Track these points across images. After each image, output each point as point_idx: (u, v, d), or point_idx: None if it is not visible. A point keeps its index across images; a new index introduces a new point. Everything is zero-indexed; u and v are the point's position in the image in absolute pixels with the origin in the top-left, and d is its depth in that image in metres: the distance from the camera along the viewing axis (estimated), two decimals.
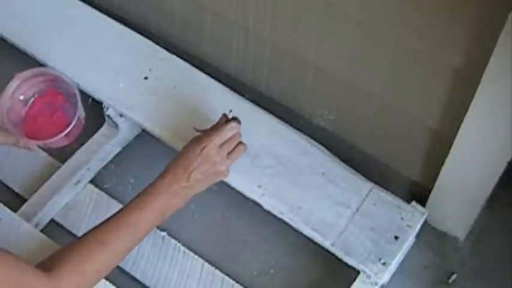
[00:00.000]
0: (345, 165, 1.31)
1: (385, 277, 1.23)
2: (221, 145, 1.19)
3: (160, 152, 1.38)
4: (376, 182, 1.29)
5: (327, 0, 1.19)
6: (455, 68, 1.11)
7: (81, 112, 1.21)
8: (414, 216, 1.26)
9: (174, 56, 1.44)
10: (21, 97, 1.22)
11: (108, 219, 1.12)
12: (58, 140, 1.20)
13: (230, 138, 1.20)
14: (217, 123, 1.23)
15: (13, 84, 1.21)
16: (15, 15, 1.49)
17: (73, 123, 1.19)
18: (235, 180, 1.29)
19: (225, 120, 1.23)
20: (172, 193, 1.15)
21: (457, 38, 1.07)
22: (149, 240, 1.30)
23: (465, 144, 1.17)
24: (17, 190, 1.39)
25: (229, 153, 1.21)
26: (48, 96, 1.24)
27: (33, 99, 1.24)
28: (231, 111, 1.25)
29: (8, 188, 1.40)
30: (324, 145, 1.33)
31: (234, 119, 1.22)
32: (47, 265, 1.06)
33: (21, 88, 1.22)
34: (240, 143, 1.22)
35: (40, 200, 1.34)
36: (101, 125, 1.41)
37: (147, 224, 1.14)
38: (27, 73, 1.22)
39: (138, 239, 1.14)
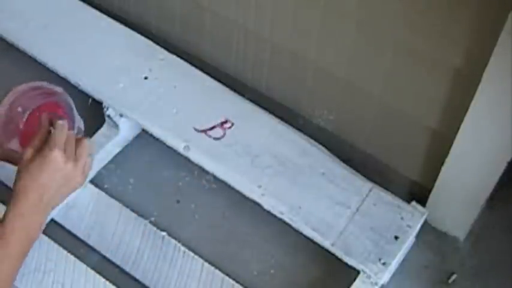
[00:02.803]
0: (345, 165, 1.31)
1: (385, 277, 1.23)
2: (64, 150, 1.09)
3: (160, 152, 1.38)
4: (376, 182, 1.29)
5: (326, 0, 1.19)
6: (455, 68, 1.11)
7: (79, 124, 1.19)
8: (414, 216, 1.26)
9: (174, 56, 1.44)
10: (19, 109, 1.19)
11: None
12: None
13: (67, 138, 1.11)
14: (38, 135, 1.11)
15: (11, 97, 1.18)
16: (15, 15, 1.49)
17: None
18: (235, 180, 1.29)
19: (48, 126, 1.12)
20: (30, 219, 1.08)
21: (457, 38, 1.07)
22: (149, 240, 1.29)
23: (465, 144, 1.16)
24: None
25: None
26: (47, 109, 1.20)
27: (29, 112, 1.19)
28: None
29: (8, 188, 1.39)
30: (324, 145, 1.33)
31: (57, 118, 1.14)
32: None
33: (19, 101, 1.19)
34: (79, 139, 1.13)
35: None
36: (101, 125, 1.40)
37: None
38: (24, 87, 1.19)
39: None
